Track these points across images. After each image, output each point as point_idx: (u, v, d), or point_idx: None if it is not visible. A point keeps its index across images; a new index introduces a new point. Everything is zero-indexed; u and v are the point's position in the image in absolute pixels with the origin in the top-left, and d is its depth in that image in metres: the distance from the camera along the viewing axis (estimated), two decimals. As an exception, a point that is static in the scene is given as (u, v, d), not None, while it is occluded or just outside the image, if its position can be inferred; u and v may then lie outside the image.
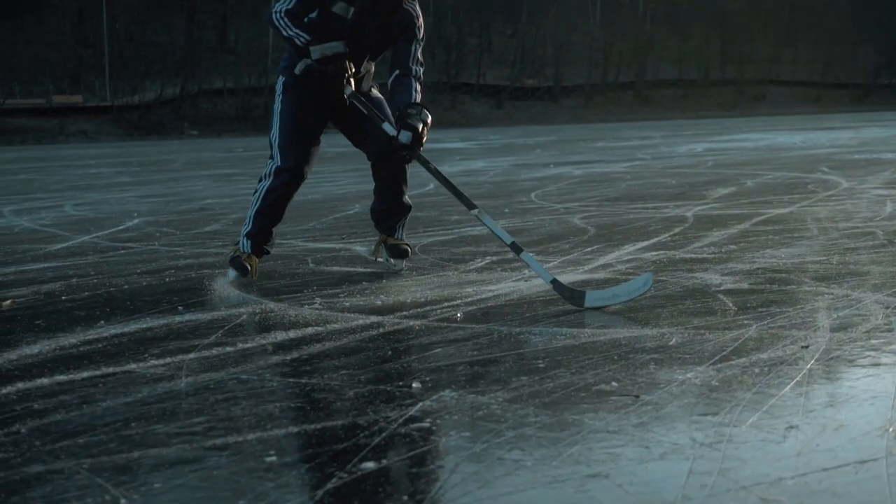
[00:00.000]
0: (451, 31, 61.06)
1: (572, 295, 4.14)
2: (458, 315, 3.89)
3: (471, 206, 4.60)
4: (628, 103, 62.27)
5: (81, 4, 54.26)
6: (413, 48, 4.89)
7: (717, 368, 2.93)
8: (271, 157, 4.95)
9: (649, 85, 64.59)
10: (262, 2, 56.27)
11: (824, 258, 5.03)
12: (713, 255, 5.24)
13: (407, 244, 5.21)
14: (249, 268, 4.92)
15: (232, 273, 5.01)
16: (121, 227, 7.51)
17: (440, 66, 58.28)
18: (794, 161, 13.78)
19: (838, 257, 5.05)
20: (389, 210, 5.19)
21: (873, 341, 3.25)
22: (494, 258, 5.40)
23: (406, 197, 5.21)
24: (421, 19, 4.93)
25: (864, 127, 28.22)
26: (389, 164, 5.00)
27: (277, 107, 5.01)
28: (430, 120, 4.73)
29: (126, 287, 4.75)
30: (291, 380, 2.96)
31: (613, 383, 2.81)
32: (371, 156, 5.07)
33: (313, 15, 4.81)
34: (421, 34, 4.93)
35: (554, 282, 4.23)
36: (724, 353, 3.12)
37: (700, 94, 65.11)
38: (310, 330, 3.66)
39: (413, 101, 4.76)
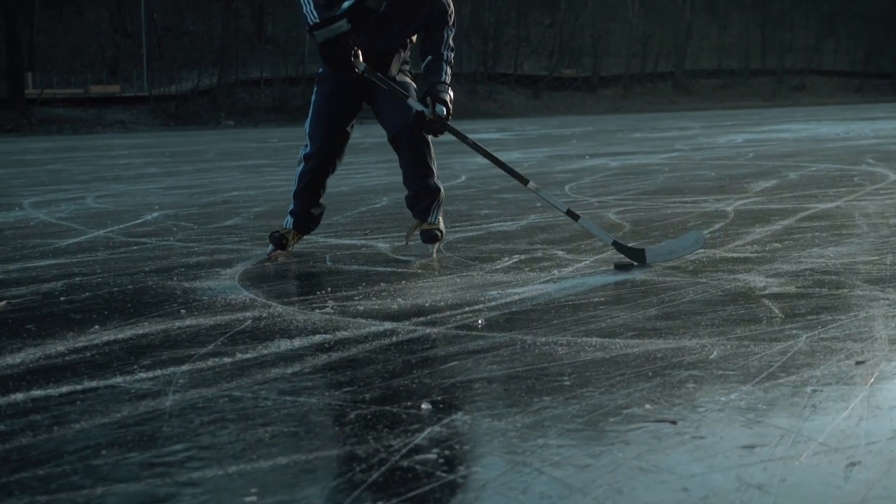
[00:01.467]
0: (489, 20, 60.70)
1: (634, 254, 4.70)
2: (480, 322, 3.59)
3: (522, 181, 5.10)
4: (667, 93, 61.69)
5: (119, -6, 54.40)
6: (445, 35, 5.14)
7: (765, 388, 2.61)
8: (305, 144, 5.36)
9: (689, 75, 63.98)
10: (299, -9, 56.23)
11: (876, 258, 4.69)
12: (756, 255, 4.90)
13: (439, 228, 5.35)
14: (286, 241, 5.35)
15: (270, 247, 5.40)
16: (138, 221, 7.26)
17: (477, 56, 57.95)
18: (838, 152, 13.36)
19: (892, 257, 4.70)
20: (417, 195, 5.34)
21: (938, 357, 2.92)
22: (523, 256, 5.10)
23: (433, 179, 5.35)
24: (452, 7, 5.14)
25: (908, 117, 27.65)
26: (407, 140, 5.17)
27: (313, 97, 5.39)
28: (452, 97, 5.03)
29: (130, 287, 4.48)
30: (288, 398, 2.66)
31: (647, 406, 2.49)
32: (390, 130, 5.24)
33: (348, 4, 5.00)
34: (452, 21, 5.16)
35: (615, 243, 4.80)
36: (771, 369, 2.79)
37: (740, 84, 64.46)
38: (317, 338, 3.36)
39: (441, 80, 5.03)
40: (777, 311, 3.57)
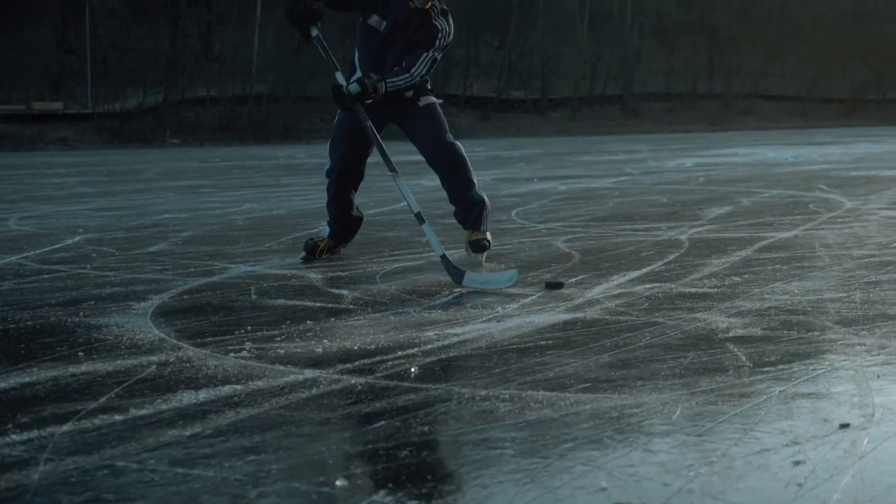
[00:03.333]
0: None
1: (455, 272, 4.83)
2: (413, 370, 3.19)
3: (391, 170, 5.32)
4: (615, 116, 61.71)
5: (64, 10, 53.53)
6: (424, 56, 5.40)
7: (740, 462, 2.24)
8: (327, 161, 5.82)
9: (637, 98, 64.07)
10: (248, 9, 55.68)
11: (844, 295, 4.35)
12: (716, 290, 4.55)
13: (487, 238, 5.71)
14: (318, 249, 5.82)
15: (303, 253, 5.86)
16: (57, 246, 6.78)
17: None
18: (789, 178, 13.12)
19: (860, 294, 4.37)
20: (466, 209, 5.74)
21: (931, 416, 2.57)
22: (464, 290, 4.71)
23: (475, 191, 5.74)
24: (447, 35, 5.46)
25: (854, 142, 27.64)
26: (441, 165, 5.68)
27: (336, 118, 5.81)
28: (382, 89, 5.27)
29: (28, 324, 4.03)
30: (179, 471, 2.25)
31: (603, 484, 2.11)
32: (425, 156, 5.72)
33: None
34: (438, 45, 5.43)
35: (443, 257, 4.96)
36: (743, 435, 2.42)
37: (687, 108, 64.62)
38: (226, 389, 2.95)
39: (387, 77, 5.31)
40: (744, 359, 3.21)
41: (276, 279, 5.18)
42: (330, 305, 4.39)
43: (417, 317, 4.09)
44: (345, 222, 5.94)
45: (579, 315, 4.04)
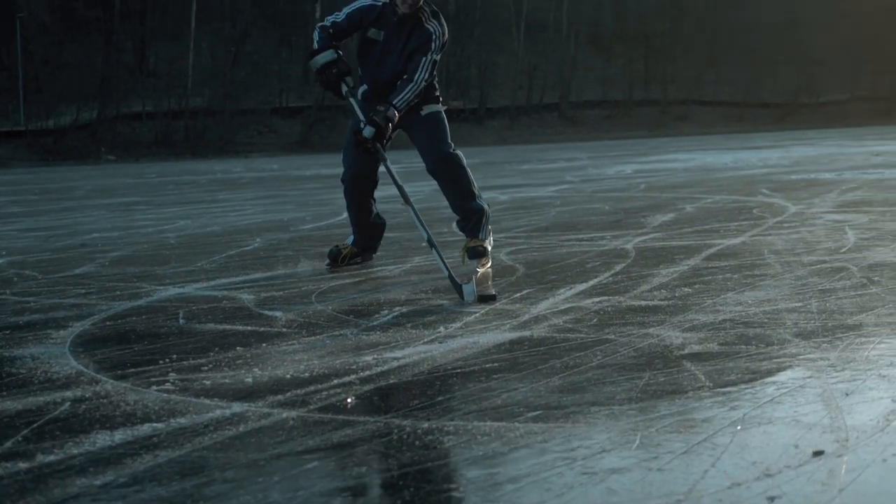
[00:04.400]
0: (375, 52, 60.26)
1: (460, 292, 4.68)
2: (349, 400, 2.96)
3: (406, 201, 5.51)
4: (553, 124, 61.81)
5: (-7, 25, 52.58)
6: (423, 60, 5.52)
7: (705, 502, 2.03)
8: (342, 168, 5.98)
9: (574, 106, 64.23)
10: (182, 23, 55.03)
11: (800, 304, 4.18)
12: (667, 302, 4.37)
13: (483, 245, 5.71)
14: (341, 256, 6.00)
15: (326, 260, 6.05)
16: (-23, 270, 6.47)
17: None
18: (731, 182, 13.03)
19: (816, 303, 4.20)
20: (466, 218, 5.80)
21: (908, 440, 2.38)
22: (405, 309, 4.49)
23: (476, 200, 5.79)
24: (440, 35, 5.58)
25: (790, 146, 27.79)
26: (440, 175, 5.79)
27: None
28: (394, 115, 5.43)
29: (-65, 358, 3.75)
30: (86, 529, 2.00)
31: (560, 531, 1.90)
32: (426, 164, 5.81)
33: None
34: (435, 46, 5.56)
35: (450, 278, 4.84)
36: (710, 468, 2.22)
37: (625, 115, 64.91)
38: (145, 429, 2.69)
39: (392, 99, 5.45)
40: (703, 378, 3.01)
41: (206, 301, 4.91)
42: (262, 329, 4.14)
43: (355, 339, 3.86)
44: (365, 228, 6.08)
45: (526, 333, 3.83)
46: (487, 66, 61.51)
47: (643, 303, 4.39)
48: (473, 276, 5.04)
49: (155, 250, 7.35)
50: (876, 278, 4.76)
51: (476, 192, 5.82)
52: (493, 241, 5.98)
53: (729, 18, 68.42)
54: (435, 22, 5.60)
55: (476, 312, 4.31)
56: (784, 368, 3.10)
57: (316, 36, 5.70)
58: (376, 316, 4.36)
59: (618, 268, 5.51)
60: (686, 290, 4.67)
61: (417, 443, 2.49)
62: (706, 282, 4.88)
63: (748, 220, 7.79)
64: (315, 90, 53.68)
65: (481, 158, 28.29)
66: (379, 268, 5.94)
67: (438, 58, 5.62)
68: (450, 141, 5.81)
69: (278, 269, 5.97)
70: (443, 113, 5.88)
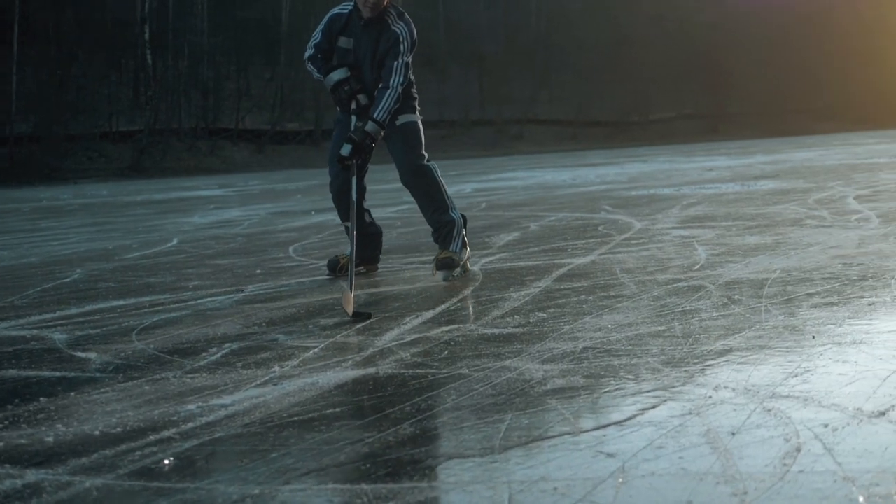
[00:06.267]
0: (208, 75, 59.07)
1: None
2: (167, 462, 2.52)
3: (349, 218, 5.71)
4: (391, 145, 61.65)
5: None
6: (395, 65, 5.56)
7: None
8: None
9: (411, 126, 64.24)
10: (4, 46, 52.91)
11: (663, 328, 3.90)
12: (522, 330, 4.03)
13: (452, 256, 5.69)
14: (339, 266, 6.06)
15: (327, 271, 6.15)
16: None
17: (197, 112, 56.16)
18: (572, 199, 12.90)
19: (680, 326, 3.93)
20: (438, 231, 5.82)
21: (819, 485, 2.07)
22: (235, 346, 4.05)
23: (449, 212, 5.80)
24: (407, 36, 5.61)
25: (625, 162, 28.08)
26: (411, 188, 5.85)
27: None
28: (374, 129, 5.52)
29: None
30: None
31: None
32: (400, 175, 5.86)
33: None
34: (404, 48, 5.58)
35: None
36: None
37: (461, 134, 65.17)
38: None
39: (372, 112, 5.54)
40: (571, 420, 2.67)
41: (10, 343, 4.38)
42: (72, 375, 3.65)
43: (178, 384, 3.41)
44: (362, 243, 5.92)
45: (370, 371, 3.44)
46: (322, 87, 61.01)
47: (496, 331, 4.05)
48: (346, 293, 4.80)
49: (-38, 286, 6.71)
50: (736, 297, 4.53)
51: (449, 203, 5.85)
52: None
53: (561, 38, 69.62)
54: (401, 23, 5.65)
55: (314, 347, 3.90)
56: (659, 404, 2.78)
57: (311, 68, 5.94)
58: (203, 354, 3.91)
59: (466, 292, 5.18)
60: (541, 315, 4.36)
61: (245, 517, 2.08)
62: (561, 305, 4.58)
63: (595, 238, 7.57)
64: (146, 113, 52.40)
65: (319, 181, 27.84)
66: (208, 299, 5.46)
67: (410, 59, 5.66)
68: (423, 152, 5.86)
69: (98, 303, 5.45)
70: (418, 123, 5.91)
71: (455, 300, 4.87)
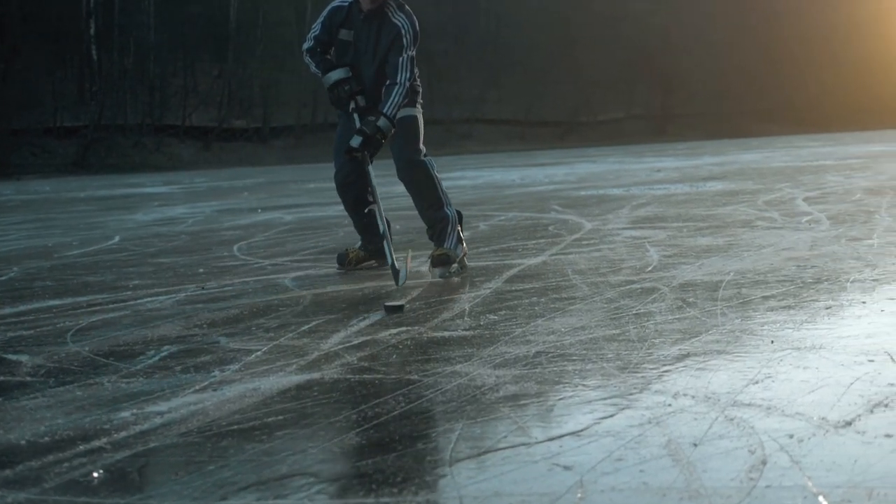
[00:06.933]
0: (155, 71, 58.48)
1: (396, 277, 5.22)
2: (96, 475, 2.36)
3: (374, 199, 5.83)
4: (339, 143, 61.33)
5: None
6: (401, 60, 5.53)
7: None
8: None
9: (359, 124, 63.99)
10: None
11: (617, 331, 3.79)
12: (473, 333, 3.91)
13: (447, 252, 5.61)
14: (348, 259, 6.17)
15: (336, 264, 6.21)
16: None
17: (144, 108, 55.59)
18: (522, 199, 12.81)
19: (634, 329, 3.82)
20: (432, 227, 5.79)
21: (788, 501, 1.96)
22: (174, 348, 3.89)
23: (443, 209, 5.76)
24: (409, 29, 5.56)
25: (574, 162, 28.11)
26: (406, 183, 5.78)
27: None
28: (386, 124, 5.47)
29: None
30: None
31: None
32: (397, 174, 5.80)
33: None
34: (407, 41, 5.55)
35: (392, 266, 5.27)
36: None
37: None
38: None
39: (382, 108, 5.49)
40: (525, 427, 2.55)
41: (-62, 345, 4.18)
42: (0, 378, 3.47)
43: (112, 388, 3.24)
44: (365, 231, 6.12)
45: (315, 375, 3.30)
46: (270, 84, 60.62)
47: (447, 334, 3.92)
48: (405, 262, 5.32)
49: None
50: (690, 299, 4.44)
51: (444, 199, 5.80)
52: (273, 265, 5.64)
53: (510, 38, 69.71)
54: (402, 15, 5.60)
55: (257, 350, 3.74)
56: (616, 413, 2.66)
57: (308, 60, 5.84)
58: (141, 357, 3.74)
59: (414, 293, 5.05)
60: (492, 317, 4.23)
61: (177, 537, 1.93)
62: (512, 307, 4.46)
63: (545, 238, 7.46)
64: (91, 109, 51.77)
65: (266, 178, 27.62)
66: (148, 299, 5.29)
67: (414, 53, 5.64)
68: (421, 147, 5.80)
69: (33, 303, 5.26)
70: (418, 117, 5.86)
71: (403, 301, 4.73)
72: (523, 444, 2.42)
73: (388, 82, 5.55)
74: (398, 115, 5.60)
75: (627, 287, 4.89)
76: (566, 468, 2.23)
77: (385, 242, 5.49)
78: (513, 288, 5.05)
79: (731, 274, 5.13)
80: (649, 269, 5.51)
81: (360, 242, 6.24)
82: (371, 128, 5.45)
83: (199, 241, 8.82)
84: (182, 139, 56.94)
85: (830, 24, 69.79)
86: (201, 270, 6.45)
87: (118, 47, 55.98)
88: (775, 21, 70.35)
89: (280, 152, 56.85)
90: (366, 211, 5.93)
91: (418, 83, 5.88)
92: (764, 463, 2.19)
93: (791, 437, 2.36)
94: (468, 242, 6.38)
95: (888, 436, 2.34)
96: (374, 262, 6.18)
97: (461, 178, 20.58)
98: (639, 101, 71.53)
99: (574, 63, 68.52)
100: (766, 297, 4.40)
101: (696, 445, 2.34)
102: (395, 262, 5.29)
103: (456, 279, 5.47)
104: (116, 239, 9.38)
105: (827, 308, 4.09)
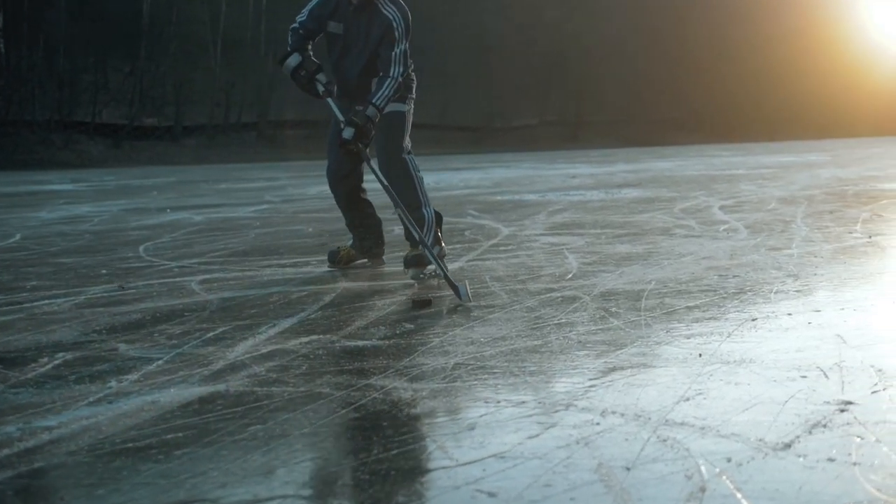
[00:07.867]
0: (64, 66, 57.33)
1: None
2: (-31, 500, 2.14)
3: (396, 205, 5.43)
4: (252, 144, 60.70)
5: None
6: (393, 54, 5.40)
7: None
8: None
9: (273, 125, 63.35)
10: None
11: (539, 342, 3.64)
12: (387, 343, 3.72)
13: (419, 253, 5.42)
14: (339, 258, 6.00)
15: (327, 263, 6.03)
16: None
17: (52, 104, 54.44)
18: (437, 203, 12.51)
19: (556, 340, 3.67)
20: (405, 228, 5.67)
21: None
22: (70, 355, 3.64)
23: (421, 209, 5.66)
24: (400, 21, 5.43)
25: (488, 167, 28.05)
26: (386, 178, 5.53)
27: None
28: (374, 114, 5.30)
29: None
30: None
31: None
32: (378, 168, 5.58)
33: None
34: (399, 34, 5.41)
35: (445, 276, 4.82)
36: None
37: (324, 135, 64.71)
38: None
39: (371, 98, 5.33)
40: (445, 452, 2.36)
41: None
42: None
43: (-2, 400, 3.00)
44: (357, 228, 6.09)
45: (220, 387, 3.09)
46: (183, 82, 59.78)
47: (360, 343, 3.73)
48: (466, 280, 4.96)
49: None
50: (613, 309, 4.30)
51: (422, 199, 5.75)
52: (180, 267, 5.35)
53: (424, 41, 69.67)
54: (392, 7, 5.48)
55: (158, 359, 3.51)
56: (542, 433, 2.50)
57: (289, 39, 5.65)
58: (32, 365, 3.49)
59: (327, 299, 4.84)
60: (408, 325, 4.05)
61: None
62: (429, 315, 4.28)
63: (462, 244, 7.31)
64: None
65: (177, 177, 27.12)
66: (46, 301, 5.01)
67: (407, 45, 5.49)
68: (405, 144, 5.68)
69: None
70: (405, 113, 5.73)
71: (315, 308, 4.53)
72: (443, 468, 2.24)
73: (380, 74, 5.43)
74: (386, 109, 5.47)
75: (548, 295, 4.74)
76: (490, 495, 2.06)
77: (429, 253, 5.18)
78: (430, 294, 4.87)
79: (653, 283, 5.02)
80: (569, 276, 5.37)
81: (351, 240, 6.14)
82: (361, 118, 5.29)
83: (104, 240, 8.49)
84: (92, 136, 55.86)
85: (741, 37, 70.87)
86: (104, 272, 6.16)
87: (27, 41, 54.76)
88: (688, 32, 71.25)
89: (192, 151, 56.04)
90: (368, 212, 6.06)
91: (413, 75, 5.81)
92: (703, 490, 2.04)
93: (729, 460, 2.22)
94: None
95: (830, 460, 2.21)
96: (365, 260, 6.10)
97: (374, 181, 20.34)
98: (552, 107, 71.91)
99: (489, 68, 68.68)
100: (690, 308, 4.28)
101: (628, 469, 2.18)
102: (451, 277, 4.85)
103: (435, 281, 5.26)
104: (17, 237, 9.01)
105: (753, 320, 3.98)
